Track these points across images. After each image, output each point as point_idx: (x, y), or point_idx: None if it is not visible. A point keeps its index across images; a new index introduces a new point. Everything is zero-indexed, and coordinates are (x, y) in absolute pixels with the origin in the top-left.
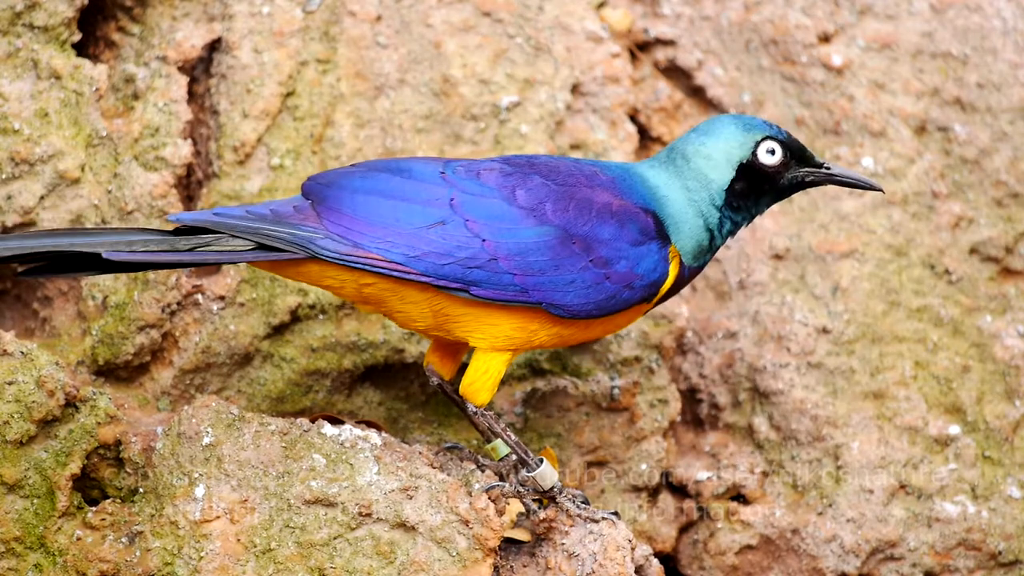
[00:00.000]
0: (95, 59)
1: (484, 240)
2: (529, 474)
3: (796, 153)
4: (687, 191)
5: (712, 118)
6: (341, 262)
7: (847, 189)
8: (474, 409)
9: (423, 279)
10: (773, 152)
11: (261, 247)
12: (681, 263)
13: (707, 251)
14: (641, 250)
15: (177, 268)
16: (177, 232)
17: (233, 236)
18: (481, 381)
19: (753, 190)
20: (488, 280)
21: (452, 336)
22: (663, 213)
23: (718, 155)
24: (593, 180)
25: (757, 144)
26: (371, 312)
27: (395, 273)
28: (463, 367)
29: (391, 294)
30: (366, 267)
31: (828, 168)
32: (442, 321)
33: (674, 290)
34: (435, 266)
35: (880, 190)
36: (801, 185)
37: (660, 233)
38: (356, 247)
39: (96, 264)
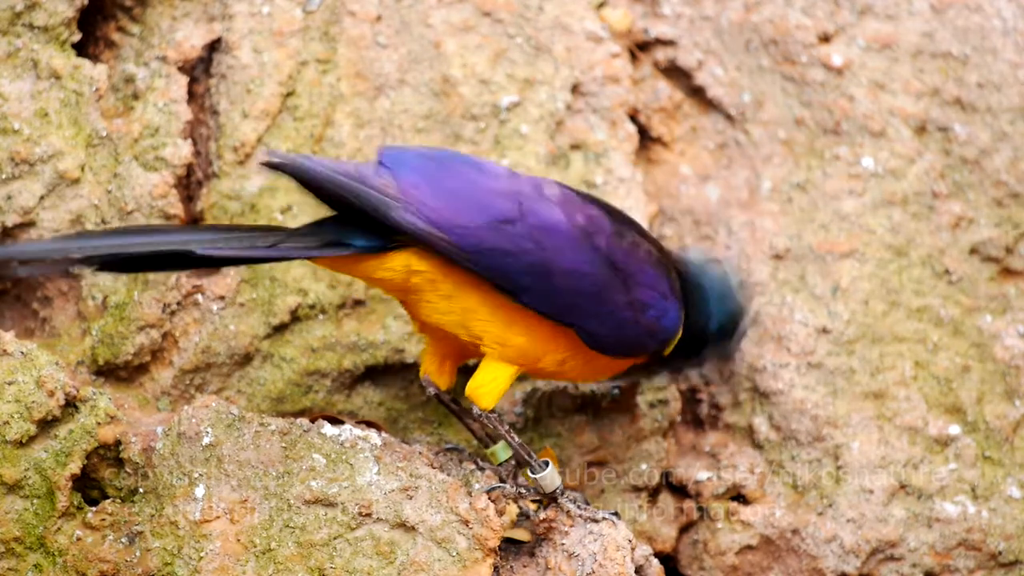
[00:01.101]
0: (95, 59)
1: (545, 250)
2: (533, 476)
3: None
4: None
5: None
6: (418, 235)
7: (847, 189)
8: (479, 412)
9: (485, 273)
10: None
11: (330, 244)
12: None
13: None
14: (667, 304)
15: (258, 263)
16: (252, 229)
17: (302, 234)
18: (489, 386)
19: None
20: (538, 290)
21: (468, 335)
22: (684, 279)
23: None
24: (631, 223)
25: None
26: (398, 298)
27: (461, 260)
28: (461, 375)
29: (432, 285)
30: (437, 247)
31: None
32: (468, 319)
33: (659, 361)
34: (499, 263)
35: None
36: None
37: (681, 295)
38: (432, 224)
39: (179, 262)
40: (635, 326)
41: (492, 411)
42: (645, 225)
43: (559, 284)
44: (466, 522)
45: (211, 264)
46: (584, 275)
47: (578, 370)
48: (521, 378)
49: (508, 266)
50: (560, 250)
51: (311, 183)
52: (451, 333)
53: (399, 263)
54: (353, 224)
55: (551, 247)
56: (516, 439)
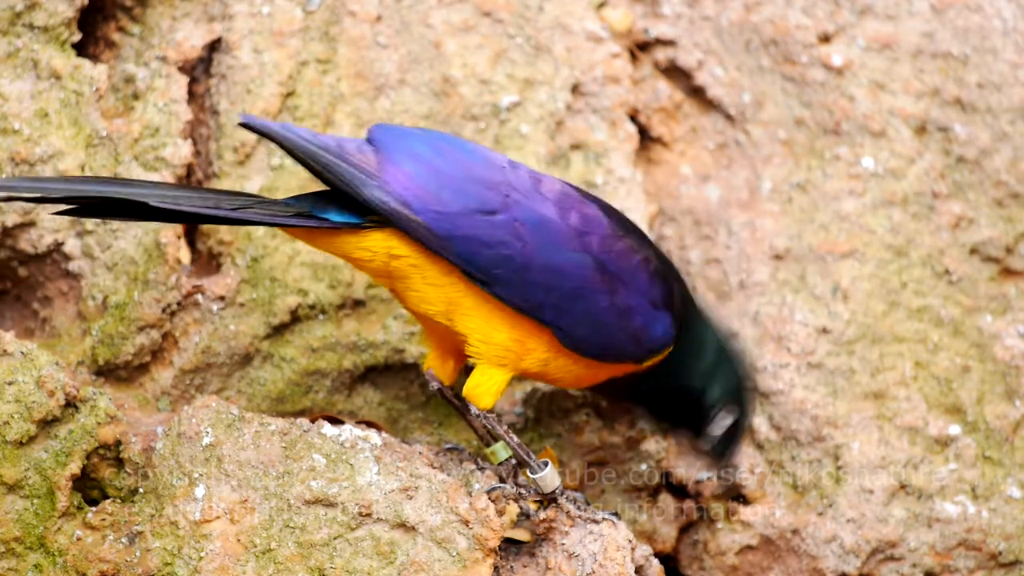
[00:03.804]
0: (95, 59)
1: (525, 244)
2: (533, 476)
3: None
4: None
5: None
6: (389, 214)
7: (847, 189)
8: (477, 412)
9: (456, 260)
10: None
11: (301, 214)
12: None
13: None
14: (658, 314)
15: (219, 224)
16: (221, 192)
17: (274, 203)
18: (486, 386)
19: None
20: (512, 283)
21: (453, 328)
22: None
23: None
24: (636, 231)
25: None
26: (386, 287)
27: (432, 245)
28: (464, 370)
29: (416, 271)
30: (408, 228)
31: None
32: (452, 310)
33: (643, 382)
34: (472, 252)
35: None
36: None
37: (676, 308)
38: (405, 205)
39: (138, 212)
40: (616, 330)
41: (491, 411)
42: (645, 227)
43: (536, 280)
44: (466, 522)
45: (170, 218)
46: (565, 274)
47: (561, 372)
48: (521, 378)
49: (481, 255)
50: (543, 246)
51: (291, 154)
52: (440, 324)
53: (378, 244)
54: (335, 199)
55: (533, 242)
56: (515, 439)
